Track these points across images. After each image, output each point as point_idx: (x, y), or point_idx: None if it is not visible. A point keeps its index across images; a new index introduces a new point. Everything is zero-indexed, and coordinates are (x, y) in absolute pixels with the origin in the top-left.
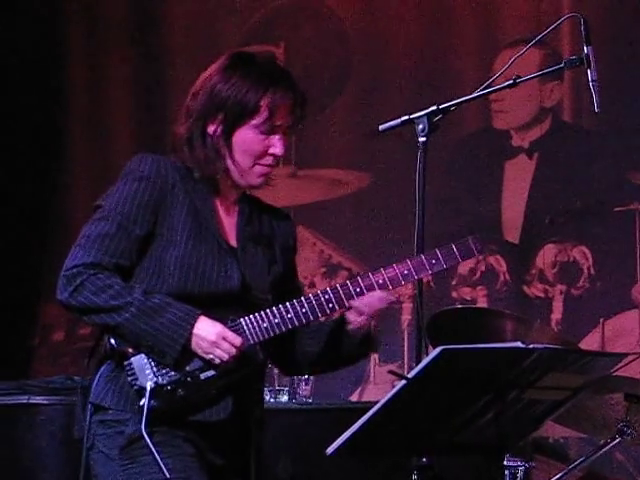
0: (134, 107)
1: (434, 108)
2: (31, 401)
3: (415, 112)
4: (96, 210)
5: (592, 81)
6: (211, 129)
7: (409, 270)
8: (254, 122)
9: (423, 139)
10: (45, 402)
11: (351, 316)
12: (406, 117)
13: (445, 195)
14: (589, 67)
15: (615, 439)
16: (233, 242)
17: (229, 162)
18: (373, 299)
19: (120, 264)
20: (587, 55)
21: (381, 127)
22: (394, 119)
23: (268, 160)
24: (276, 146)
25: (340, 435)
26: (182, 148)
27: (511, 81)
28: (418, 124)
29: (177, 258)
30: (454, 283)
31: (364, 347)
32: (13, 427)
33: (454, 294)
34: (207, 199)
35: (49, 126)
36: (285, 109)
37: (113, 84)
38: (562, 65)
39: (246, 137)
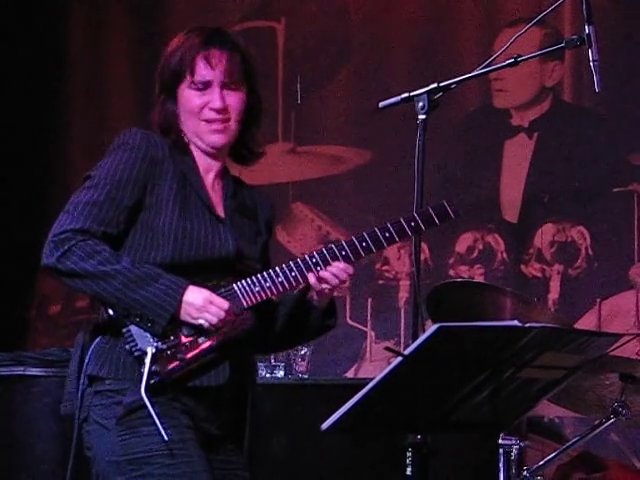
0: (133, 87)
1: (434, 86)
2: (27, 372)
3: (415, 89)
4: (86, 180)
5: (593, 61)
6: (161, 100)
7: (390, 232)
8: (184, 84)
9: (423, 117)
10: (41, 374)
11: (316, 282)
12: (406, 94)
13: (444, 173)
14: (590, 47)
15: (610, 419)
16: (220, 213)
17: (182, 125)
18: (339, 270)
19: (108, 232)
20: (588, 35)
21: (381, 104)
22: (394, 96)
23: (210, 114)
24: (212, 99)
25: (335, 411)
26: (151, 120)
27: (512, 60)
28: (418, 101)
29: (171, 227)
30: (451, 261)
31: (325, 319)
32: (8, 398)
33: (451, 272)
34: (194, 170)
35: (47, 104)
36: (207, 63)
37: (112, 63)
38: (563, 44)
39: (184, 97)
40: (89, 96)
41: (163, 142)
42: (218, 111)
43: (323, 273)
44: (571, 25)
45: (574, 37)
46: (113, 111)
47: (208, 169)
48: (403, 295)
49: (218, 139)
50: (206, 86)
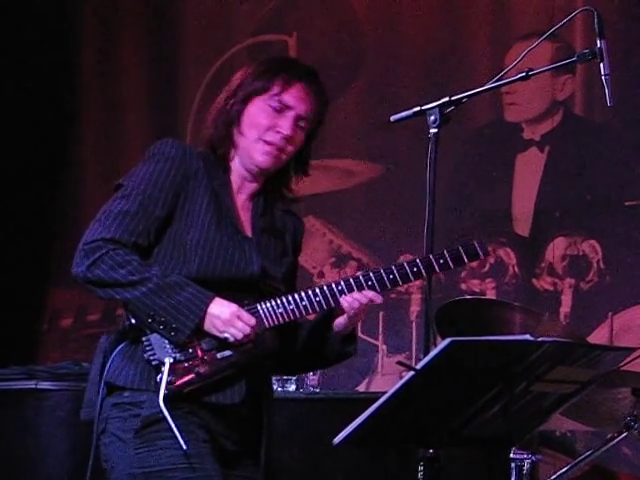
0: (147, 100)
1: (446, 100)
2: (39, 386)
3: (427, 103)
4: (117, 189)
5: (604, 75)
6: (228, 106)
7: (418, 268)
8: (264, 97)
9: (434, 130)
10: (53, 387)
11: (346, 306)
12: (418, 108)
13: (456, 187)
14: (602, 61)
15: (622, 433)
16: (248, 232)
17: (237, 137)
18: (361, 296)
19: (138, 243)
20: (600, 49)
21: (393, 118)
22: (406, 110)
23: (274, 137)
24: (283, 125)
25: (347, 425)
26: (205, 133)
27: (523, 74)
28: (430, 115)
29: (199, 241)
30: (463, 275)
31: (345, 346)
32: (20, 412)
33: (463, 286)
34: (227, 188)
35: (61, 116)
36: (298, 91)
37: (127, 77)
38: (574, 58)
39: (254, 110)
40: (103, 119)
41: (198, 155)
42: (283, 138)
43: (350, 299)
44: (583, 39)
45: (586, 51)
46: (126, 126)
47: (241, 189)
48: (415, 309)
49: (267, 161)
50: (282, 111)
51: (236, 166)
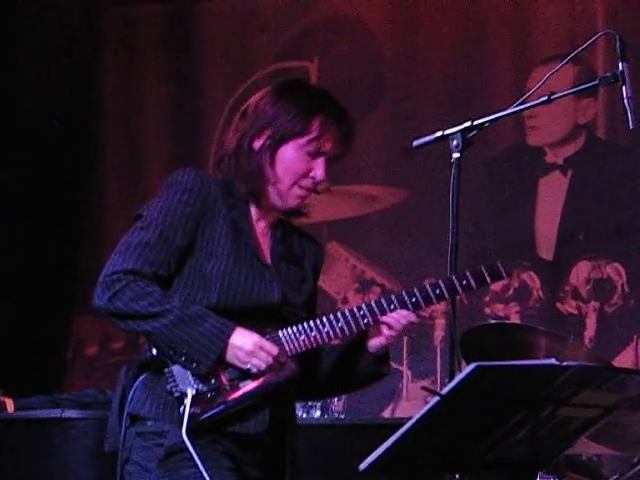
0: (169, 127)
1: (468, 124)
2: (64, 415)
3: (449, 128)
4: (137, 219)
5: (627, 98)
6: (257, 144)
7: (441, 290)
8: (301, 141)
9: (457, 155)
10: (78, 416)
11: (382, 330)
12: (440, 133)
13: (479, 211)
14: (624, 84)
15: None
16: (267, 260)
17: (270, 178)
18: (401, 316)
19: (159, 274)
20: (622, 72)
21: (415, 143)
22: (428, 135)
23: (308, 183)
24: (318, 170)
25: (373, 451)
26: (228, 163)
27: (545, 97)
28: (452, 140)
29: (219, 272)
30: (487, 299)
31: (379, 367)
32: (46, 441)
33: (487, 310)
34: (246, 217)
35: (83, 140)
36: (334, 135)
37: (148, 105)
38: (597, 82)
39: (290, 155)
40: (126, 149)
41: (216, 183)
42: (317, 183)
43: (386, 319)
44: (604, 62)
45: (608, 74)
46: (149, 163)
47: (261, 217)
48: (439, 334)
49: (299, 204)
50: (317, 156)
51: (260, 200)
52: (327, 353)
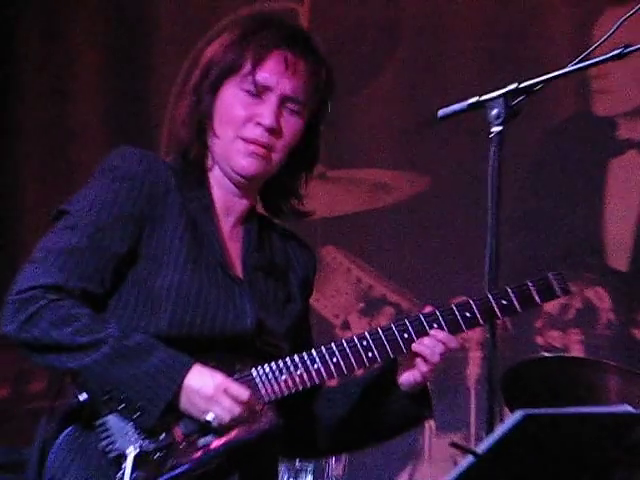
0: (103, 104)
1: (513, 87)
2: None
3: (487, 92)
4: (59, 217)
5: None
6: (197, 96)
7: (473, 313)
8: (236, 78)
9: (498, 129)
10: None
11: (413, 362)
12: (475, 99)
13: (527, 205)
14: None
15: None
16: (238, 271)
17: (212, 138)
18: (435, 341)
19: (89, 290)
20: None
21: (440, 113)
22: (458, 102)
23: (254, 132)
24: (264, 114)
25: None
26: (178, 133)
27: (618, 51)
28: (491, 109)
29: (171, 288)
30: (539, 325)
31: (418, 409)
32: None
33: (539, 339)
34: (208, 212)
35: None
36: (276, 64)
37: (75, 75)
38: None
39: (228, 98)
40: (45, 120)
41: (167, 168)
42: (266, 130)
43: (418, 346)
44: None
45: None
46: (76, 139)
47: (228, 209)
48: (473, 371)
49: (251, 166)
50: (260, 93)
51: (217, 178)
52: (333, 393)
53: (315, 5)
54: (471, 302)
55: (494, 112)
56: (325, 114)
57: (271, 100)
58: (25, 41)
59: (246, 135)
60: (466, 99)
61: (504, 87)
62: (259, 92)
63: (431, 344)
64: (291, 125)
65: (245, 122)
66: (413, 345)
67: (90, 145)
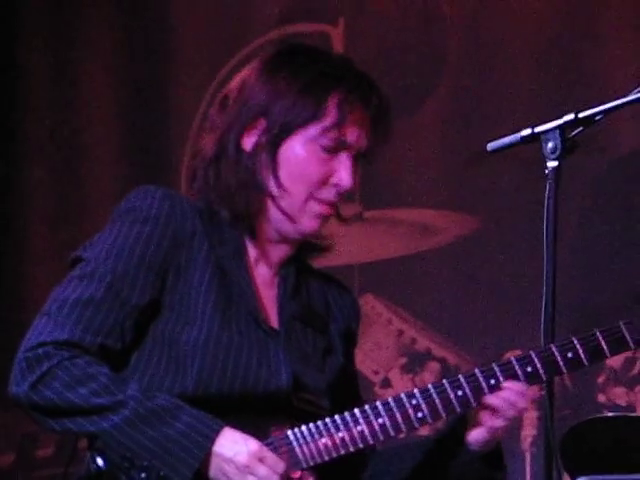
0: (119, 135)
1: (571, 117)
2: None
3: (541, 123)
4: (74, 265)
5: None
6: (247, 144)
7: (534, 367)
8: (313, 130)
9: (554, 164)
10: None
11: (481, 418)
12: (528, 131)
13: (589, 247)
14: None
15: None
16: (274, 322)
17: (271, 191)
18: (513, 393)
19: (107, 346)
20: None
21: (490, 146)
22: (509, 134)
23: (329, 194)
24: (343, 170)
25: None
26: (205, 177)
27: None
28: (546, 142)
29: (197, 342)
30: (601, 380)
31: (489, 470)
32: None
33: (601, 397)
34: (239, 258)
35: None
36: (361, 117)
37: (88, 80)
38: None
39: (299, 153)
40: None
41: (194, 209)
42: (343, 193)
43: (492, 400)
44: None
45: None
46: (91, 179)
47: (264, 257)
48: (529, 433)
49: (318, 226)
50: (337, 150)
51: (261, 230)
52: (386, 457)
53: (350, 28)
54: (532, 354)
55: (550, 145)
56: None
57: (347, 159)
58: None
59: (322, 197)
60: (519, 131)
61: (560, 117)
62: (336, 149)
63: (507, 395)
64: (356, 179)
65: (321, 182)
66: (485, 397)
67: (105, 192)
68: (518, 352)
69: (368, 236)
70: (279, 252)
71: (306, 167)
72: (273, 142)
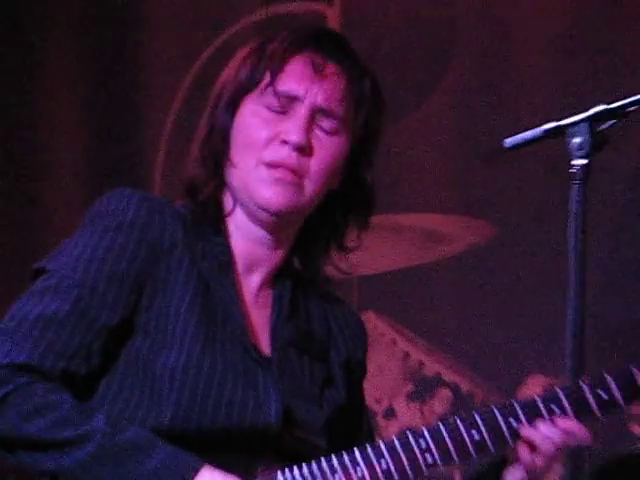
0: (86, 123)
1: (601, 108)
2: None
3: (566, 116)
4: (37, 277)
5: None
6: (217, 120)
7: (561, 407)
8: (257, 92)
9: (582, 161)
10: None
11: (519, 455)
12: (552, 124)
13: (623, 257)
14: None
15: None
16: (265, 347)
17: (230, 171)
18: (557, 429)
19: (71, 370)
20: None
21: (508, 142)
22: (529, 128)
23: (279, 153)
24: (288, 125)
25: None
26: (189, 175)
27: None
28: (572, 136)
29: (176, 370)
30: (635, 412)
31: None
32: None
33: (636, 429)
34: (226, 271)
35: None
36: (303, 66)
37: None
38: None
39: (245, 119)
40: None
41: (176, 215)
42: (294, 149)
43: (530, 433)
44: None
45: None
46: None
47: (253, 265)
48: (555, 468)
49: (278, 196)
50: (286, 107)
51: (238, 224)
52: None
53: (348, 6)
54: (559, 393)
55: (576, 141)
56: (376, 139)
57: (299, 112)
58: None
59: (269, 158)
60: (540, 124)
61: (589, 109)
62: (283, 106)
63: (547, 430)
64: (327, 146)
65: (267, 143)
66: (523, 429)
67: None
68: (541, 378)
69: (369, 245)
70: (269, 257)
71: (251, 131)
72: (229, 112)
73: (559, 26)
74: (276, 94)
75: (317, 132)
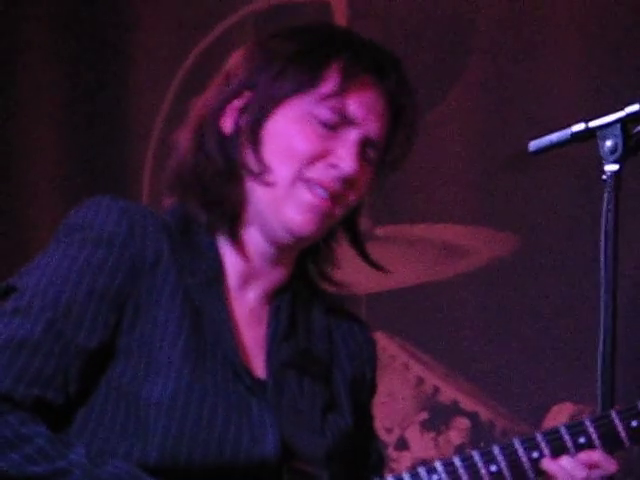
0: (65, 128)
1: (635, 108)
2: None
3: (595, 117)
4: (7, 296)
5: None
6: (228, 125)
7: (588, 438)
8: (309, 100)
9: (614, 167)
10: None
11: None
12: (581, 126)
13: None
14: None
15: None
16: (260, 370)
17: (253, 175)
18: (577, 462)
19: (46, 399)
20: None
21: (532, 146)
22: (554, 131)
23: (322, 174)
24: (342, 151)
25: None
26: (180, 174)
27: None
28: (605, 139)
29: (162, 400)
30: None
31: None
32: None
33: None
34: (216, 285)
35: None
36: (371, 93)
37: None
38: None
39: (289, 126)
40: None
41: (160, 226)
42: (341, 178)
43: (550, 466)
44: None
45: None
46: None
47: (249, 281)
48: None
49: (309, 224)
50: (338, 126)
51: (244, 232)
52: None
53: (354, 0)
54: (587, 423)
55: (608, 144)
56: (395, 170)
57: (351, 137)
58: None
59: (314, 176)
60: (568, 126)
61: (622, 109)
62: (336, 124)
63: (569, 464)
64: (365, 177)
65: (313, 160)
66: (543, 461)
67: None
68: (568, 405)
69: (381, 257)
70: (270, 275)
71: (295, 140)
72: (256, 118)
73: (590, 17)
74: (336, 109)
75: (362, 163)
